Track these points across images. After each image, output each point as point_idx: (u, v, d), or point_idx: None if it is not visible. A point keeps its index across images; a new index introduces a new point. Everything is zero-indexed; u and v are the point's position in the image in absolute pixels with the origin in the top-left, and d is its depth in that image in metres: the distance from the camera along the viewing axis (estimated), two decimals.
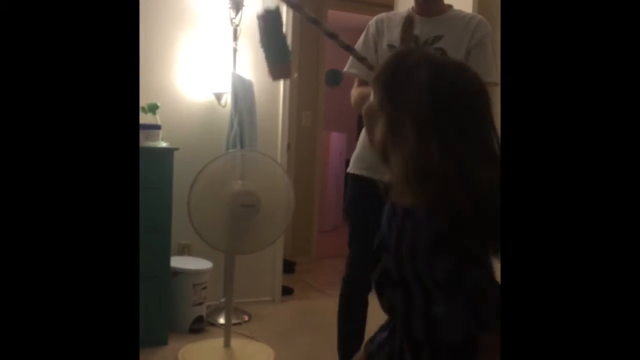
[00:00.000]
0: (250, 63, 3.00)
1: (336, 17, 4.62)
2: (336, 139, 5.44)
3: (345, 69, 1.96)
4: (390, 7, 3.38)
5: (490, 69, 1.78)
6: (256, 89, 2.91)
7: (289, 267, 3.71)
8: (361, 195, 1.91)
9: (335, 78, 6.01)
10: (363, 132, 1.94)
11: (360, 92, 1.92)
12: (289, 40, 3.05)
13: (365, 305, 1.99)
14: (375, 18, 1.94)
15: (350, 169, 1.95)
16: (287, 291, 3.34)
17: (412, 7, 1.88)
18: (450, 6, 1.87)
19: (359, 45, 1.93)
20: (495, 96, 0.95)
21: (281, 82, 3.14)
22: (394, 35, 1.84)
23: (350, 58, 1.95)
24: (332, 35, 1.62)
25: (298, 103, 4.05)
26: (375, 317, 2.41)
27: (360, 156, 1.92)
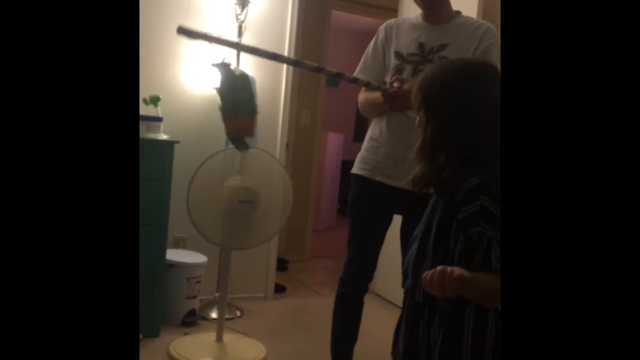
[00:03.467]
0: (253, 59, 3.01)
1: (340, 18, 4.63)
2: (333, 140, 5.45)
3: (354, 74, 1.98)
4: (394, 10, 3.40)
5: None
6: (258, 85, 2.92)
7: (282, 265, 3.71)
8: (362, 196, 1.92)
9: (335, 79, 6.02)
10: (368, 134, 1.96)
11: (367, 97, 1.94)
12: (288, 41, 3.09)
13: (360, 305, 2.00)
14: (384, 24, 1.96)
15: (353, 170, 1.96)
16: (279, 289, 3.35)
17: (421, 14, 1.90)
18: (458, 12, 1.88)
19: (368, 51, 1.96)
20: None
21: (283, 80, 3.15)
22: (401, 42, 1.86)
23: (360, 63, 1.97)
24: (338, 75, 1.77)
25: (298, 102, 4.06)
26: (370, 318, 2.43)
27: (364, 157, 1.93)
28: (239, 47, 2.70)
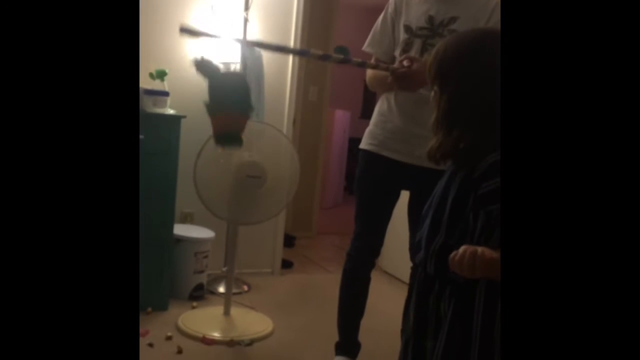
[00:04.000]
0: (260, 34, 2.98)
1: None
2: (340, 117, 5.42)
3: (363, 47, 1.96)
4: None
5: None
6: (265, 60, 2.89)
7: (289, 241, 3.73)
8: (370, 171, 1.91)
9: (343, 54, 5.96)
10: (376, 109, 1.94)
11: (375, 74, 1.92)
12: (295, 18, 3.05)
13: (367, 280, 2.01)
14: None
15: (361, 145, 1.95)
16: (286, 264, 3.37)
17: None
18: None
19: (377, 24, 1.93)
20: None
21: (290, 55, 3.12)
22: (411, 15, 1.83)
23: (369, 36, 1.94)
24: (345, 60, 1.76)
25: (305, 77, 4.02)
26: (377, 294, 2.44)
27: (371, 132, 1.92)
28: (243, 41, 2.71)
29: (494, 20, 1.73)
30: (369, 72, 1.94)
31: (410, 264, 1.92)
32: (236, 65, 2.85)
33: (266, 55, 2.92)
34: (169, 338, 2.21)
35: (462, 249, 0.93)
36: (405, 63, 1.72)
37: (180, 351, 2.12)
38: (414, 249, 1.18)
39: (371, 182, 1.91)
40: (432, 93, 1.12)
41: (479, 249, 0.91)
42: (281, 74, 3.10)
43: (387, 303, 2.73)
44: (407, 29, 1.82)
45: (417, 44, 1.80)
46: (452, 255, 0.94)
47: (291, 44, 3.10)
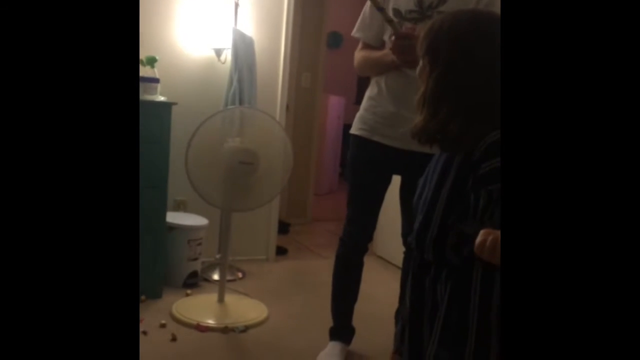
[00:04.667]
0: (251, 19, 2.95)
1: None
2: (335, 103, 5.39)
3: (352, 33, 1.94)
4: None
5: None
6: (257, 46, 2.87)
7: (283, 228, 3.73)
8: (361, 156, 1.90)
9: (336, 40, 5.93)
10: (367, 94, 1.93)
11: (364, 55, 1.90)
12: (288, 2, 3.01)
13: (360, 265, 2.01)
14: None
15: (352, 130, 1.94)
16: (281, 251, 3.37)
17: None
18: None
19: (365, 9, 1.90)
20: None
21: (282, 41, 3.09)
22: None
23: (358, 22, 1.92)
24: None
25: (298, 64, 3.99)
26: (371, 279, 2.44)
27: (362, 117, 1.90)
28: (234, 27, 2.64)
29: (485, 1, 1.71)
30: (359, 54, 1.92)
31: (403, 249, 1.94)
32: (227, 52, 2.83)
33: (258, 42, 2.89)
34: (163, 326, 2.21)
35: (482, 235, 0.88)
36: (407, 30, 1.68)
37: (174, 338, 2.13)
38: (408, 234, 1.17)
39: (362, 167, 1.91)
40: (419, 67, 1.09)
41: (498, 234, 0.87)
42: (273, 60, 3.08)
43: (381, 288, 2.74)
44: (396, 12, 1.80)
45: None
46: (479, 240, 0.89)
47: (283, 29, 3.07)
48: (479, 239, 0.88)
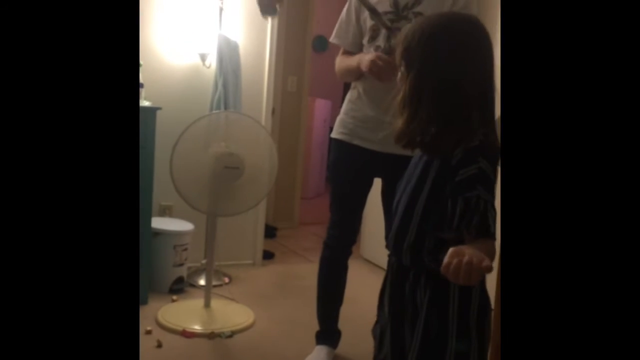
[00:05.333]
0: (236, 23, 2.94)
1: None
2: (321, 106, 5.40)
3: (330, 39, 1.95)
4: None
5: None
6: (242, 51, 2.86)
7: (270, 232, 3.72)
8: (342, 159, 1.91)
9: (322, 44, 5.94)
10: (347, 97, 1.94)
11: (341, 61, 1.91)
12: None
13: (345, 268, 2.01)
14: None
15: (332, 134, 1.95)
16: (268, 255, 3.36)
17: None
18: None
19: (342, 15, 1.92)
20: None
21: (267, 45, 3.08)
22: (375, 0, 1.81)
23: (335, 28, 1.93)
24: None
25: (284, 68, 3.99)
26: (357, 282, 2.44)
27: (342, 121, 1.91)
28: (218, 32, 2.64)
29: (461, 3, 1.72)
30: (338, 61, 1.93)
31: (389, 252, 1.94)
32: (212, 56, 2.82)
33: (243, 46, 2.89)
34: (148, 332, 2.20)
35: (451, 256, 0.84)
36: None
37: (160, 345, 2.11)
38: (388, 238, 1.18)
39: (344, 170, 1.91)
40: (399, 73, 1.10)
41: (474, 259, 0.83)
42: (259, 64, 3.07)
43: (366, 291, 2.73)
44: (374, 12, 1.80)
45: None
46: (445, 263, 0.86)
47: (268, 32, 3.07)
48: (446, 260, 0.85)
